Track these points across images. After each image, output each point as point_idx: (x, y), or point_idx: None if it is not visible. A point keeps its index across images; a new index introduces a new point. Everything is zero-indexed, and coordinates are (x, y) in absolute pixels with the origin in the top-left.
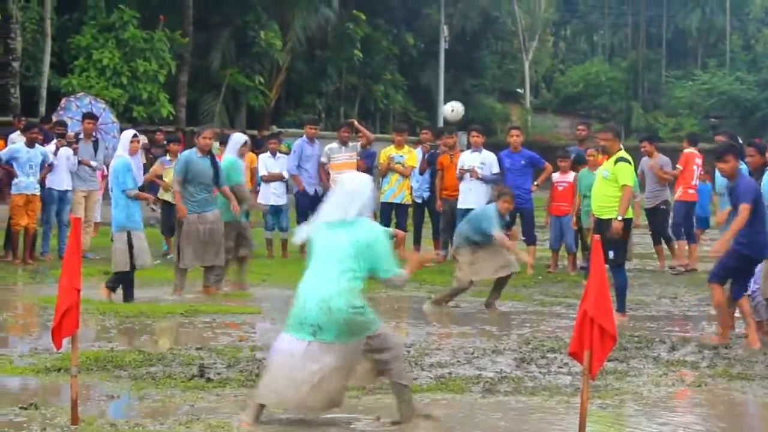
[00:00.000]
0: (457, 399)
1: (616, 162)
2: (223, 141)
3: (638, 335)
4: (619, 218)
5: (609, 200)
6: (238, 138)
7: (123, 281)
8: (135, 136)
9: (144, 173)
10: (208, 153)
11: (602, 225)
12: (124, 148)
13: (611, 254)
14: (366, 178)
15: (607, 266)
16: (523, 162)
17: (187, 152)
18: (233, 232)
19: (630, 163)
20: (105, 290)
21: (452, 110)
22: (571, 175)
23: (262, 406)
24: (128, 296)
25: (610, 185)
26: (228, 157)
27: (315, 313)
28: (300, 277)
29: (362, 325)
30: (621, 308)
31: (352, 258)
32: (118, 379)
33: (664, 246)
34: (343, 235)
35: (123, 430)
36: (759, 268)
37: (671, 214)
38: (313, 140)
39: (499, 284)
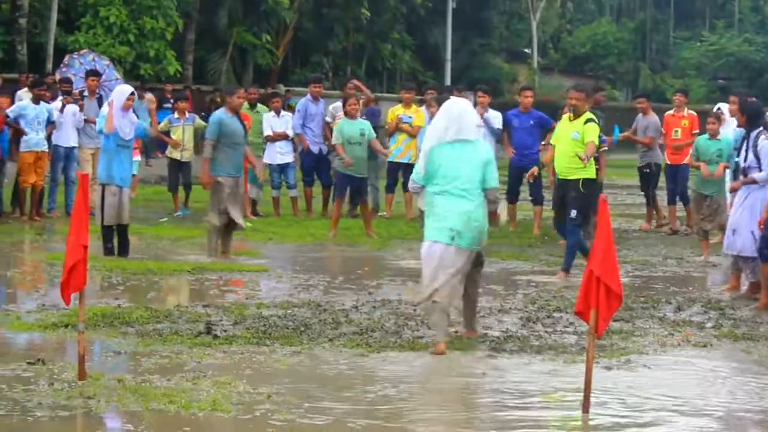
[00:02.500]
0: (464, 357)
1: (585, 122)
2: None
3: (644, 295)
4: (583, 157)
5: (576, 161)
6: None
7: (108, 235)
8: (132, 93)
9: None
10: (236, 113)
11: (568, 186)
12: (117, 102)
13: (573, 213)
14: (465, 102)
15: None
16: (531, 122)
17: (217, 113)
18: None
19: (597, 123)
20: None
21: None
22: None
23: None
24: (106, 250)
25: (578, 146)
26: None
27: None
28: (305, 234)
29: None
30: (567, 267)
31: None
32: (125, 335)
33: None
34: (470, 153)
35: (130, 386)
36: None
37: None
38: (318, 99)
39: None
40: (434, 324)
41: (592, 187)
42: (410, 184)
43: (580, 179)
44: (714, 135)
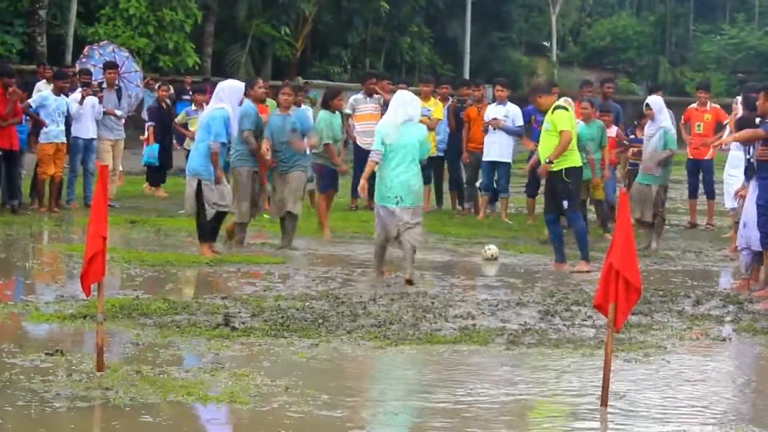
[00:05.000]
0: (481, 350)
1: (553, 111)
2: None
3: (663, 289)
4: (547, 161)
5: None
6: None
7: (204, 230)
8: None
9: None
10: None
11: (554, 177)
12: (230, 101)
13: (565, 204)
14: (410, 93)
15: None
16: None
17: (250, 105)
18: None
19: (567, 110)
20: (203, 248)
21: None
22: None
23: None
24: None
25: (552, 136)
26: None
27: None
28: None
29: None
30: (584, 256)
31: (418, 150)
32: (143, 326)
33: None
34: (414, 133)
35: (148, 377)
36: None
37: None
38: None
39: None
40: (376, 256)
41: (577, 175)
42: (373, 155)
43: (562, 169)
44: None
